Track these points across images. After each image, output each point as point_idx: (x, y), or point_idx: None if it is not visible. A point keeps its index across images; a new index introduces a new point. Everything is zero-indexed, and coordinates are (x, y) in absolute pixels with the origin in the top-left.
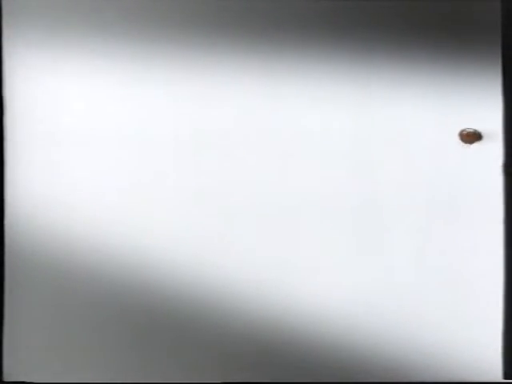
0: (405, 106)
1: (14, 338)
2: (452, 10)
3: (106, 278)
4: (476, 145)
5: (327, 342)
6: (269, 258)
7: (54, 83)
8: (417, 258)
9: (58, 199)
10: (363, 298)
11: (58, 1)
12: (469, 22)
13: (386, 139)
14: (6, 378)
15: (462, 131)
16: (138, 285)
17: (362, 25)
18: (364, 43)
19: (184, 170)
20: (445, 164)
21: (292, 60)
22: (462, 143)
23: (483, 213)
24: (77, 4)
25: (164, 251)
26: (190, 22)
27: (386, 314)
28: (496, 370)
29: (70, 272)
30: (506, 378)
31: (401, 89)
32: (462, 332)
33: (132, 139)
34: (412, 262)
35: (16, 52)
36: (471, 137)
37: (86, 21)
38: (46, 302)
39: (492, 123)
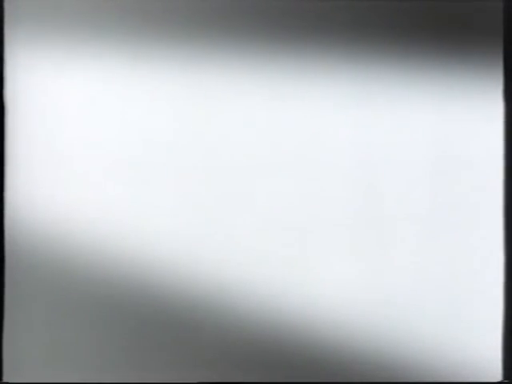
0: (405, 107)
1: (13, 338)
2: (452, 11)
3: (106, 278)
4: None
5: (326, 341)
6: (268, 258)
7: (55, 84)
8: (417, 258)
9: (59, 199)
10: (362, 297)
11: (60, 2)
12: (470, 22)
13: (387, 142)
14: (6, 378)
15: None
16: (138, 285)
17: (361, 26)
18: (364, 44)
19: (186, 172)
20: (446, 165)
21: (293, 61)
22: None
23: (484, 214)
24: (78, 5)
25: (164, 252)
26: (190, 22)
27: (384, 314)
28: (496, 370)
29: (70, 272)
30: (505, 378)
31: (401, 91)
32: (462, 332)
33: (134, 140)
34: (412, 261)
35: (18, 53)
36: None
37: (88, 21)
38: (46, 302)
39: (493, 125)
